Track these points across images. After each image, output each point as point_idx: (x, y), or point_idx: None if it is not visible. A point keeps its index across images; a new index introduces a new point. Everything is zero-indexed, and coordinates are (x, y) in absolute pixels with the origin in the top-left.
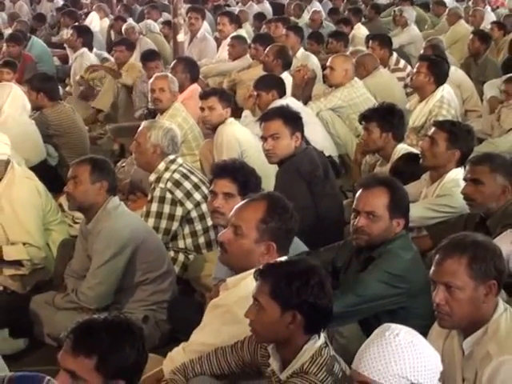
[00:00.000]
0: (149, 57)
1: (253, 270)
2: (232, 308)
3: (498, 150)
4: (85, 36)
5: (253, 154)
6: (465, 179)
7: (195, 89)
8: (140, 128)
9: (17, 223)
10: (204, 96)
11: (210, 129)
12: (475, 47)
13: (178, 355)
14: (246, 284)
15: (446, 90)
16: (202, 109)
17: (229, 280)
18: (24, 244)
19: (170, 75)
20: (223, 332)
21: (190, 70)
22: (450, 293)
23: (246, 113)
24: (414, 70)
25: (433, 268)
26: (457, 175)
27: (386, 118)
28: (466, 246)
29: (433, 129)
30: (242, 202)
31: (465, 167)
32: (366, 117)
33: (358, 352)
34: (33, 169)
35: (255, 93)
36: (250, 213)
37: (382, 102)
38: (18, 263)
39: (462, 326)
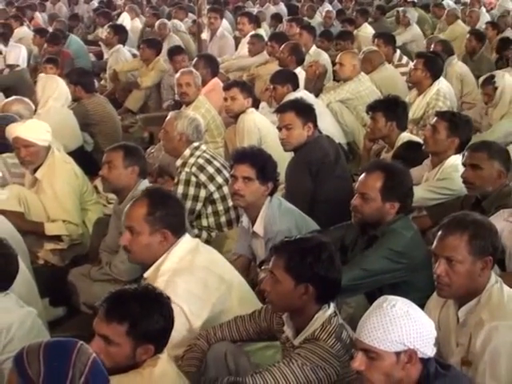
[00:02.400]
0: (175, 52)
1: (161, 258)
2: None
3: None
4: (120, 34)
5: (271, 141)
6: (464, 164)
7: (216, 82)
8: (167, 118)
9: (57, 203)
10: (227, 87)
11: (233, 117)
12: (472, 46)
13: None
14: (161, 273)
15: (441, 84)
16: (226, 99)
17: (146, 275)
18: (63, 221)
19: (194, 71)
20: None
21: (210, 65)
22: (451, 266)
23: (263, 104)
24: (412, 66)
25: (435, 243)
26: (455, 161)
27: (391, 108)
28: (468, 224)
29: (435, 118)
30: (128, 205)
31: (463, 154)
32: (373, 107)
33: (360, 322)
34: (71, 154)
35: (271, 86)
36: (136, 211)
37: (387, 94)
38: (57, 238)
39: (459, 295)
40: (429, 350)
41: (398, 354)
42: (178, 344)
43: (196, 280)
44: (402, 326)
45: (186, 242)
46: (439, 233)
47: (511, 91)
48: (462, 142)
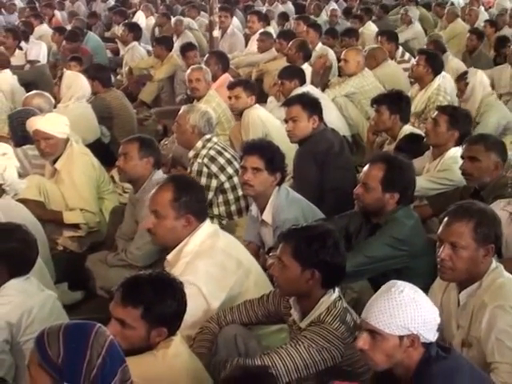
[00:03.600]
0: (187, 48)
1: (184, 241)
2: (182, 278)
3: None
4: (135, 32)
5: (275, 134)
6: (462, 157)
7: (226, 77)
8: (180, 112)
9: (75, 192)
10: (230, 87)
11: (237, 114)
12: (472, 44)
13: None
14: (184, 255)
15: (443, 79)
16: (230, 98)
17: (169, 257)
18: (81, 210)
19: (204, 67)
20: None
21: (221, 61)
22: (455, 251)
23: (271, 98)
24: (414, 62)
25: (441, 228)
26: (455, 153)
27: (395, 101)
28: (474, 212)
29: (436, 112)
30: (153, 190)
31: (462, 146)
32: (378, 100)
33: (367, 304)
34: (89, 146)
35: (279, 81)
36: (162, 196)
37: (391, 89)
38: (75, 226)
39: (460, 279)
40: (431, 336)
41: (401, 337)
42: (194, 324)
43: (215, 263)
44: (408, 312)
45: (207, 227)
46: (445, 219)
47: (483, 89)
48: (462, 134)
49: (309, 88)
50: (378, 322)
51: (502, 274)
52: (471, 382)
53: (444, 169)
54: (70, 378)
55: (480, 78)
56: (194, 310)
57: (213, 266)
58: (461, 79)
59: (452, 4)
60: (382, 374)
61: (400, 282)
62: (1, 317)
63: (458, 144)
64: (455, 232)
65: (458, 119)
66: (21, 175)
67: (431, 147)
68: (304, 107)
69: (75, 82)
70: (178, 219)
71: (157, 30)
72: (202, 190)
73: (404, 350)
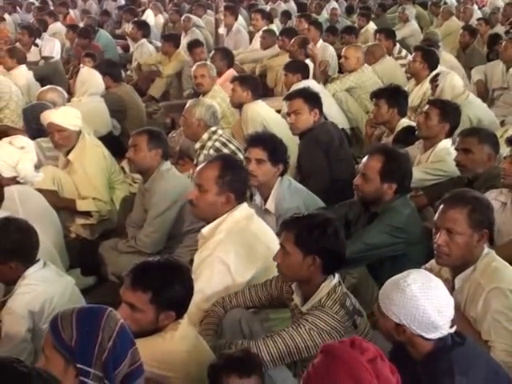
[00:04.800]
0: (194, 45)
1: (221, 218)
2: (213, 254)
3: None
4: (144, 29)
5: (275, 129)
6: (456, 149)
7: (231, 73)
8: (186, 106)
9: (87, 182)
10: (230, 81)
11: (235, 107)
12: (465, 40)
13: None
14: (219, 232)
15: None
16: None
17: (204, 231)
18: (93, 199)
19: (208, 63)
20: (213, 277)
21: (226, 57)
22: (451, 237)
23: None
24: (411, 58)
25: (437, 215)
26: (446, 144)
27: (393, 96)
28: (468, 199)
29: (427, 106)
30: (201, 164)
31: (455, 138)
32: (377, 94)
33: (384, 292)
34: (101, 138)
35: (284, 73)
36: (209, 172)
37: (389, 84)
38: (87, 214)
39: (455, 264)
40: (427, 334)
41: (396, 324)
42: (211, 298)
43: (246, 244)
44: (404, 305)
45: (244, 209)
46: (441, 206)
47: (452, 91)
48: (452, 127)
49: (310, 83)
50: (382, 302)
51: (495, 258)
52: (486, 368)
53: (438, 160)
54: (83, 359)
55: (450, 80)
56: (220, 286)
57: (243, 247)
58: (432, 81)
59: (445, 3)
60: (399, 352)
61: (413, 277)
62: (24, 306)
63: (448, 136)
64: (451, 218)
65: (449, 112)
66: (36, 167)
67: (422, 140)
68: (306, 101)
69: (90, 79)
70: (219, 195)
71: (166, 27)
72: (246, 173)
73: (399, 335)
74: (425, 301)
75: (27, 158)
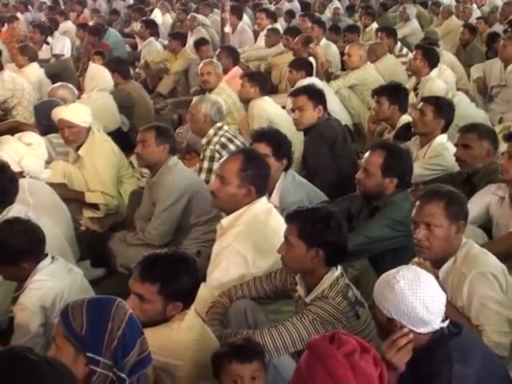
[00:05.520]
0: (201, 43)
1: (241, 210)
2: (232, 245)
3: None
4: (151, 28)
5: (281, 125)
6: (456, 145)
7: (237, 71)
8: (192, 102)
9: (96, 177)
10: (240, 77)
11: (243, 102)
12: (465, 38)
13: (202, 292)
14: (238, 224)
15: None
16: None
17: (223, 221)
18: (101, 193)
19: (215, 61)
20: (230, 268)
21: (232, 55)
22: (430, 230)
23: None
24: (411, 56)
25: (415, 211)
26: (442, 140)
27: (394, 93)
28: (443, 193)
29: (421, 103)
30: (224, 157)
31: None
32: (378, 92)
33: (376, 287)
34: (110, 134)
35: (288, 70)
36: (231, 165)
37: (390, 81)
38: (95, 207)
39: (436, 257)
40: (418, 328)
41: (388, 318)
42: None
43: (264, 238)
44: (394, 301)
45: (264, 203)
46: (418, 203)
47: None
48: (447, 122)
49: (313, 80)
50: (375, 297)
51: (473, 246)
52: (483, 357)
53: (435, 155)
54: (93, 348)
55: (429, 87)
56: (236, 277)
57: (261, 240)
58: (414, 89)
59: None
60: None
61: (402, 274)
62: (36, 301)
63: (444, 131)
64: (428, 213)
65: (443, 108)
66: (47, 162)
67: (419, 136)
68: (310, 97)
69: (98, 74)
70: (240, 188)
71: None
72: (268, 167)
73: (393, 328)
74: (413, 297)
75: (33, 155)
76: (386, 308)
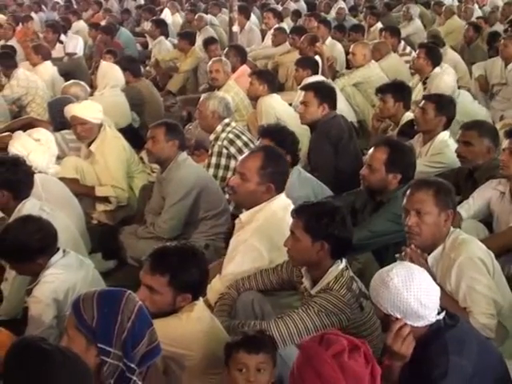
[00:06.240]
0: (209, 42)
1: (260, 206)
2: (249, 241)
3: None
4: (161, 27)
5: (288, 121)
6: (457, 141)
7: (244, 69)
8: (200, 99)
9: (107, 171)
10: (249, 75)
11: (252, 99)
12: (469, 35)
13: (216, 284)
14: (256, 219)
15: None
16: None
17: (242, 216)
18: (112, 186)
19: (223, 59)
20: (245, 263)
21: (239, 54)
22: (420, 217)
23: None
24: (415, 55)
25: (405, 200)
26: (444, 137)
27: (399, 90)
28: (432, 182)
29: (423, 101)
30: (245, 154)
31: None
32: (383, 90)
33: (371, 285)
34: (121, 130)
35: (295, 68)
36: (251, 162)
37: (394, 79)
38: (106, 200)
39: (427, 244)
40: (415, 322)
41: (385, 314)
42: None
43: (281, 233)
44: (390, 298)
45: (282, 200)
46: (408, 191)
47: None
48: (449, 119)
49: (319, 78)
50: (371, 294)
51: (461, 233)
52: (479, 348)
53: (437, 152)
54: (103, 339)
55: (437, 83)
56: (250, 270)
57: (278, 236)
58: (424, 83)
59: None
60: None
61: (396, 271)
62: (49, 294)
63: (445, 128)
64: (418, 200)
65: (444, 105)
66: (60, 157)
67: (421, 133)
68: (316, 94)
69: (109, 72)
70: (259, 185)
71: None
72: (287, 165)
73: (390, 323)
74: (407, 294)
75: (40, 150)
76: (383, 305)
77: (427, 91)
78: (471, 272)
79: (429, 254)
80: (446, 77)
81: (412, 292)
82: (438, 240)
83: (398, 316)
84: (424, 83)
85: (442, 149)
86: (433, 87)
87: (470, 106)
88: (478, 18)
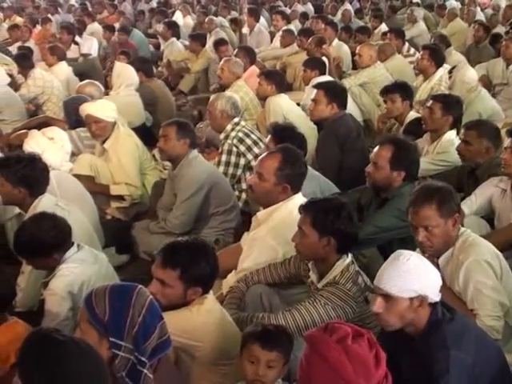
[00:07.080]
0: (220, 43)
1: (276, 205)
2: (265, 239)
3: None
4: (173, 29)
5: (296, 121)
6: (460, 139)
7: (254, 69)
8: (209, 100)
9: (120, 169)
10: (257, 75)
11: (261, 99)
12: (479, 35)
13: (231, 279)
14: (272, 218)
15: (444, 71)
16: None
17: (259, 214)
18: (125, 184)
19: (233, 59)
20: (260, 259)
21: (249, 55)
22: (429, 232)
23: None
24: (419, 56)
25: (411, 216)
26: (451, 136)
27: (405, 90)
28: (432, 193)
29: (430, 101)
30: (263, 154)
31: (457, 129)
32: (390, 90)
33: (379, 272)
34: (135, 129)
35: (303, 68)
36: (269, 163)
37: (396, 79)
38: (121, 198)
39: (440, 252)
40: (436, 296)
41: (411, 299)
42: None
43: (295, 232)
44: (415, 276)
45: (299, 199)
46: (411, 208)
47: (461, 85)
48: (455, 118)
49: (326, 78)
50: (390, 287)
51: (470, 235)
52: (477, 340)
53: (442, 151)
54: (115, 332)
55: (461, 75)
56: (265, 261)
57: (292, 234)
58: (449, 72)
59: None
60: (389, 332)
61: (406, 252)
62: (64, 287)
63: (452, 127)
64: (423, 217)
65: (451, 105)
66: (74, 154)
67: (429, 132)
68: (326, 93)
69: (123, 72)
70: (276, 185)
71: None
72: (305, 166)
73: (414, 310)
74: (428, 265)
75: (54, 148)
76: (409, 288)
77: (452, 81)
78: (478, 275)
79: (439, 257)
80: (472, 69)
81: (428, 263)
82: (449, 244)
83: (427, 292)
84: (450, 72)
85: (448, 147)
86: (458, 75)
87: (489, 101)
88: (475, 21)
